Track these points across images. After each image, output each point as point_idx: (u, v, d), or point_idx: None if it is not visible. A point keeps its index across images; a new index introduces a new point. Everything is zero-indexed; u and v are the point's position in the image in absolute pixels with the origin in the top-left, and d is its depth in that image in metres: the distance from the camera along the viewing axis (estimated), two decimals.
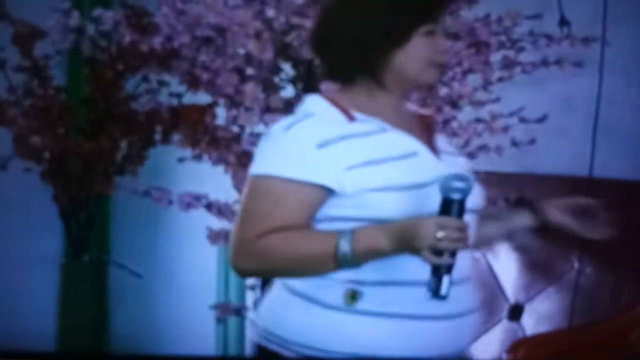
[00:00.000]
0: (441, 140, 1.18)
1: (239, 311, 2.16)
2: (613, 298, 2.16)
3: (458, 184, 1.04)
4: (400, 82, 1.15)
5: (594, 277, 2.22)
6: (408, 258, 1.06)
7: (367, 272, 1.08)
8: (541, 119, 2.05)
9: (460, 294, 1.11)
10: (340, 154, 1.10)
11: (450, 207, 1.03)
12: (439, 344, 1.11)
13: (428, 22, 1.14)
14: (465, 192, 1.04)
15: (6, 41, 2.27)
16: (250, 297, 2.13)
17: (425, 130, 1.17)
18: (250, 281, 2.08)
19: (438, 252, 1.02)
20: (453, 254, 1.04)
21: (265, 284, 2.07)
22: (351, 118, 1.13)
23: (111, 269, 2.67)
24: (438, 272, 1.03)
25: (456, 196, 1.03)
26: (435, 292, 1.03)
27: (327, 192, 1.10)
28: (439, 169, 1.11)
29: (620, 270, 2.20)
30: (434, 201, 1.06)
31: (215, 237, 2.03)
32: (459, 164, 1.16)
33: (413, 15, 1.12)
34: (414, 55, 1.13)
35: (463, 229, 1.04)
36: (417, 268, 1.06)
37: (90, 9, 2.27)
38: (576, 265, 2.23)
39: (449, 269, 1.04)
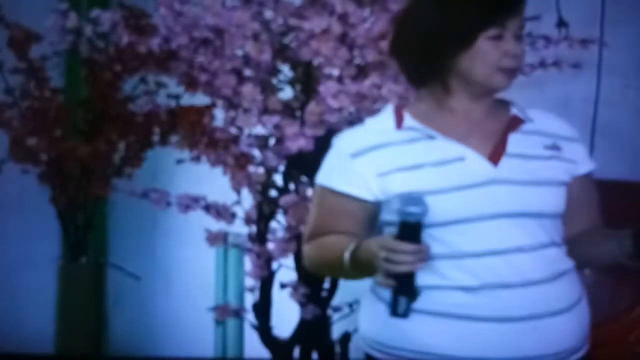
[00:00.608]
0: (519, 144, 1.15)
1: (238, 313, 2.15)
2: (612, 299, 2.16)
3: (410, 209, 1.04)
4: (467, 87, 1.15)
5: (592, 278, 2.21)
6: (504, 258, 1.10)
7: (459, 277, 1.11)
8: None
9: (529, 296, 1.11)
10: (371, 163, 1.13)
11: (404, 230, 1.04)
12: (509, 347, 1.10)
13: (493, 27, 1.13)
14: (418, 216, 1.04)
15: (3, 43, 2.27)
16: (249, 299, 2.12)
17: (499, 134, 1.15)
18: (250, 283, 2.07)
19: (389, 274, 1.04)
20: (403, 276, 1.03)
21: (265, 286, 2.07)
22: (399, 126, 1.15)
23: (109, 271, 2.66)
24: (394, 292, 1.04)
25: (409, 219, 1.04)
26: (392, 311, 1.05)
27: (366, 200, 1.14)
28: (487, 173, 1.12)
29: (619, 272, 2.19)
30: (484, 202, 1.10)
31: (214, 239, 2.02)
32: (526, 168, 1.14)
33: (477, 19, 1.13)
34: (480, 59, 1.13)
35: (410, 252, 1.04)
36: (483, 271, 1.09)
37: (88, 10, 2.27)
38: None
39: (404, 290, 1.03)
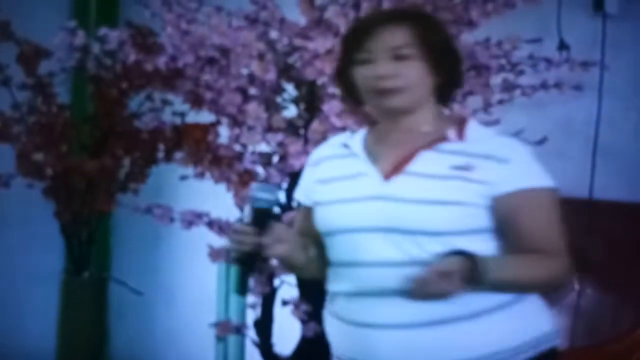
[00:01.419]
0: (425, 162, 1.18)
1: (239, 329, 2.15)
2: (614, 320, 2.16)
3: (258, 194, 1.12)
4: (371, 109, 1.22)
5: (594, 299, 2.21)
6: (370, 270, 1.15)
7: (340, 283, 1.20)
8: (541, 141, 2.06)
9: (392, 309, 1.14)
10: (311, 174, 1.27)
11: (252, 214, 1.11)
12: (389, 355, 1.14)
13: (360, 52, 1.19)
14: (263, 203, 1.11)
15: (11, 59, 2.30)
16: (250, 315, 2.12)
17: (411, 152, 1.19)
18: (251, 299, 2.08)
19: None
20: (245, 256, 1.12)
21: (266, 303, 2.08)
22: (343, 143, 1.27)
23: (112, 286, 2.67)
24: (239, 271, 1.13)
25: (255, 204, 1.12)
26: (237, 289, 1.14)
27: (307, 206, 1.26)
28: (377, 189, 1.18)
29: (620, 292, 2.19)
30: (365, 216, 1.16)
31: (216, 255, 2.03)
32: (420, 187, 1.15)
33: (345, 46, 1.21)
34: (360, 83, 1.21)
35: (247, 233, 1.12)
36: (377, 278, 1.15)
37: (95, 28, 2.30)
38: (577, 286, 2.23)
39: (244, 268, 1.12)
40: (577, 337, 2.18)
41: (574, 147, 2.31)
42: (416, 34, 1.19)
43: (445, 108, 1.24)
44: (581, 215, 2.22)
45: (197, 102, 2.03)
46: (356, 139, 1.25)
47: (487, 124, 1.98)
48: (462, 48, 1.91)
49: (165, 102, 2.34)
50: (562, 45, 2.22)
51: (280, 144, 1.95)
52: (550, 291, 1.17)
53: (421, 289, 1.07)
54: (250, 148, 1.99)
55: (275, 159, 1.99)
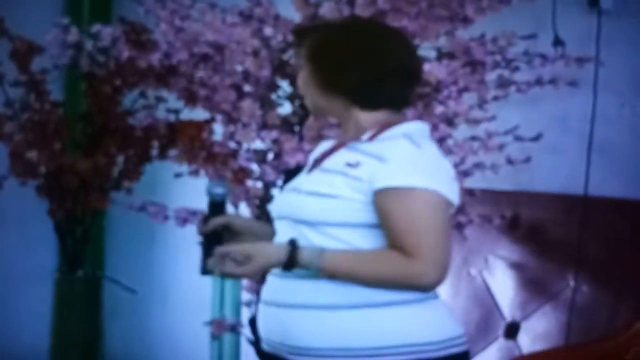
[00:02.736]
0: (334, 159, 1.26)
1: (234, 328, 2.14)
2: (609, 316, 2.16)
3: (213, 189, 1.31)
4: None
5: (590, 296, 2.22)
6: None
7: None
8: (536, 138, 2.06)
9: (290, 287, 1.22)
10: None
11: (209, 206, 1.33)
12: (266, 328, 1.26)
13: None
14: (217, 196, 1.31)
15: (4, 56, 2.28)
16: (245, 313, 2.12)
17: (332, 149, 1.30)
18: (246, 297, 2.07)
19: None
20: (204, 240, 1.31)
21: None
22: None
23: (106, 285, 2.65)
24: (202, 255, 1.31)
25: (210, 198, 1.32)
26: (201, 270, 1.31)
27: None
28: (296, 181, 1.29)
29: (616, 289, 2.20)
30: (279, 205, 1.30)
31: None
32: (316, 180, 1.25)
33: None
34: None
35: (203, 221, 1.31)
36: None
37: (88, 25, 2.28)
38: (572, 283, 2.23)
39: (204, 249, 1.31)
40: (573, 333, 2.19)
41: (569, 143, 2.31)
42: (307, 47, 1.29)
43: (396, 113, 1.28)
44: (576, 212, 2.23)
45: (191, 99, 2.02)
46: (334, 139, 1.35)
47: (483, 120, 1.99)
48: (457, 44, 1.91)
49: (159, 99, 2.32)
50: (557, 42, 2.22)
51: (275, 141, 1.94)
52: (402, 289, 1.18)
53: (217, 266, 1.20)
54: (245, 145, 1.98)
55: (270, 156, 1.99)
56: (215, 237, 1.28)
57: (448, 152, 1.94)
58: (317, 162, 1.29)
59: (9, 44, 2.26)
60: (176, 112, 2.24)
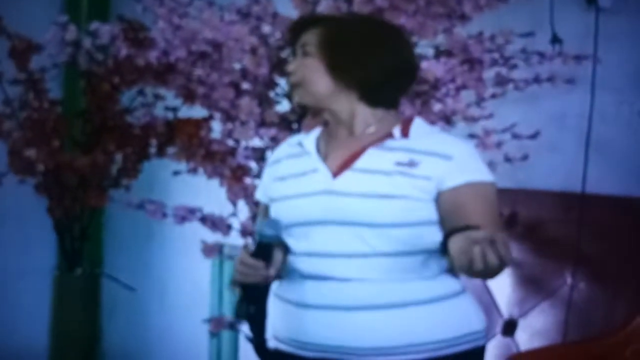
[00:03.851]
0: (371, 159, 1.24)
1: (233, 325, 2.15)
2: (607, 313, 2.16)
3: (264, 231, 1.22)
4: None
5: (587, 293, 2.22)
6: (317, 258, 1.24)
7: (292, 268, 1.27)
8: (534, 135, 2.06)
9: (338, 290, 1.21)
10: (271, 172, 1.35)
11: (258, 248, 1.22)
12: (318, 333, 1.22)
13: (291, 47, 1.31)
14: (265, 238, 1.21)
15: (2, 54, 2.28)
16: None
17: (359, 149, 1.25)
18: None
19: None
20: (248, 286, 1.22)
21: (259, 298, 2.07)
22: (298, 142, 1.33)
23: (104, 282, 2.66)
24: (239, 297, 1.24)
25: (262, 240, 1.21)
26: (235, 313, 1.25)
27: (265, 202, 1.35)
28: (325, 184, 1.25)
29: (614, 286, 2.20)
30: (315, 209, 1.24)
31: (209, 250, 2.03)
32: (364, 182, 1.22)
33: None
34: None
35: (251, 266, 1.21)
36: (307, 265, 1.24)
37: (87, 23, 2.28)
38: (570, 280, 2.23)
39: (246, 297, 1.23)
40: (571, 330, 2.19)
41: (566, 141, 2.31)
42: (319, 35, 1.26)
43: (391, 110, 1.29)
44: (574, 209, 2.23)
45: (189, 96, 2.02)
46: (310, 138, 1.32)
47: (481, 118, 1.99)
48: (455, 42, 1.91)
49: (158, 97, 2.33)
50: (555, 39, 2.22)
51: (274, 139, 1.94)
52: (490, 277, 1.19)
53: (484, 257, 1.06)
54: (243, 143, 1.98)
55: (269, 153, 1.99)
56: (260, 286, 1.22)
57: None
58: (345, 164, 1.24)
59: (8, 42, 2.27)
60: (174, 110, 2.24)
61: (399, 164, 1.21)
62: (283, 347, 1.27)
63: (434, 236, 1.20)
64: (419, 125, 1.27)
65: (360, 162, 1.24)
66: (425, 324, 1.20)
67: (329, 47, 1.24)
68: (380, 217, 1.20)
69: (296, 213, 1.26)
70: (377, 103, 1.26)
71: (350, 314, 1.20)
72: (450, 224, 1.19)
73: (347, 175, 1.24)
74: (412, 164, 1.21)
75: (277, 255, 1.22)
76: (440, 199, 1.20)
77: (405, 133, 1.24)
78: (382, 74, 1.25)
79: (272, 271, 1.21)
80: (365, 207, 1.21)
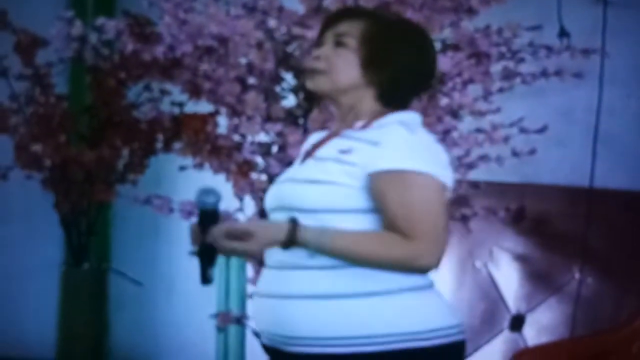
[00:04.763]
0: (328, 147, 1.26)
1: (240, 320, 2.15)
2: (614, 309, 2.16)
3: (203, 198, 1.23)
4: None
5: (595, 288, 2.21)
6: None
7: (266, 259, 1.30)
8: (541, 130, 2.05)
9: (285, 278, 1.22)
10: None
11: (200, 215, 1.25)
12: (263, 320, 1.25)
13: (319, 37, 1.29)
14: (208, 205, 1.23)
15: (8, 49, 2.28)
16: (250, 305, 2.12)
17: (326, 139, 1.29)
18: (251, 290, 2.07)
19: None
20: (199, 251, 1.25)
21: None
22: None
23: (111, 277, 2.67)
24: (201, 266, 1.26)
25: (201, 207, 1.24)
26: (202, 280, 1.27)
27: None
28: (291, 172, 1.29)
29: (621, 281, 2.19)
30: (274, 196, 1.28)
31: None
32: (311, 169, 1.24)
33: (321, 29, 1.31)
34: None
35: (192, 232, 1.24)
36: (270, 254, 1.24)
37: (93, 18, 2.28)
38: (577, 275, 2.23)
39: (202, 261, 1.26)
40: (578, 325, 2.18)
41: (574, 135, 2.30)
42: (360, 28, 1.25)
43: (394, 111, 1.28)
44: (581, 204, 2.22)
45: (195, 92, 2.02)
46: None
47: (488, 112, 1.98)
48: (462, 35, 1.90)
49: (164, 92, 2.33)
50: (563, 33, 2.21)
51: (280, 134, 1.94)
52: (399, 270, 1.17)
53: (219, 243, 1.18)
54: (249, 138, 1.98)
55: (275, 148, 1.99)
56: (212, 247, 1.23)
57: (453, 144, 1.93)
58: (309, 152, 1.29)
59: (14, 37, 2.27)
60: (181, 105, 2.24)
61: (340, 151, 1.22)
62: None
63: (368, 225, 1.19)
64: (389, 118, 1.24)
65: (319, 151, 1.26)
66: (359, 317, 1.17)
67: (369, 43, 1.24)
68: (308, 202, 1.20)
69: (266, 199, 1.31)
70: (391, 102, 1.26)
71: (287, 302, 1.21)
72: (378, 211, 1.19)
73: (306, 163, 1.27)
74: (347, 151, 1.21)
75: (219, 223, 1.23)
76: (367, 186, 1.19)
77: (367, 125, 1.24)
78: (408, 75, 1.25)
79: (207, 237, 1.21)
80: (297, 193, 1.22)
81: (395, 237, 1.16)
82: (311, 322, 1.19)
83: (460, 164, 1.97)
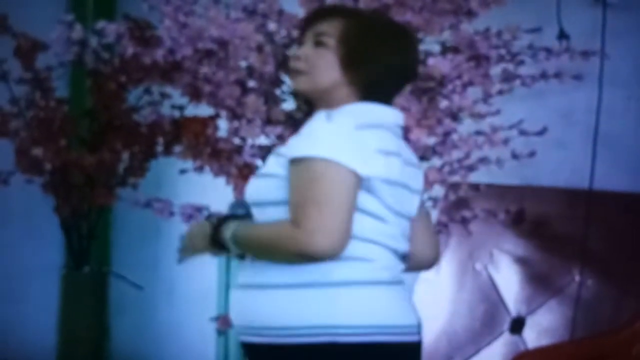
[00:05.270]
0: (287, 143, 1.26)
1: None
2: (615, 311, 2.15)
3: (235, 210, 1.27)
4: None
5: (595, 290, 2.21)
6: None
7: None
8: (541, 132, 2.05)
9: (248, 269, 1.23)
10: None
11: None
12: (234, 312, 1.26)
13: (300, 36, 1.29)
14: (234, 216, 1.26)
15: (8, 53, 2.29)
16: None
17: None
18: None
19: None
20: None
21: None
22: None
23: (112, 281, 2.67)
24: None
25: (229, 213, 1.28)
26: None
27: None
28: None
29: (621, 283, 2.19)
30: (247, 189, 1.27)
31: None
32: (266, 163, 1.26)
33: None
34: None
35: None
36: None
37: (93, 22, 2.28)
38: (577, 278, 2.23)
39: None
40: (578, 328, 2.18)
41: (574, 137, 2.30)
42: (340, 27, 1.24)
43: None
44: (582, 206, 2.22)
45: (195, 95, 2.02)
46: None
47: (488, 115, 1.99)
48: (462, 38, 1.90)
49: (164, 96, 2.33)
50: (562, 35, 2.21)
51: (280, 137, 1.94)
52: (292, 259, 1.15)
53: (182, 247, 1.25)
54: (249, 141, 1.98)
55: None
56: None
57: (453, 146, 1.94)
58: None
59: (13, 41, 2.27)
60: (181, 108, 2.25)
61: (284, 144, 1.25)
62: None
63: None
64: (338, 111, 1.22)
65: (282, 147, 1.26)
66: (298, 307, 1.15)
67: (348, 42, 1.22)
68: (255, 195, 1.22)
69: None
70: (373, 100, 1.25)
71: (242, 293, 1.22)
72: None
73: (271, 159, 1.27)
74: (285, 142, 1.23)
75: None
76: None
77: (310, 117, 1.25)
78: (388, 74, 1.24)
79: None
80: (249, 187, 1.25)
81: (287, 226, 1.15)
82: (253, 312, 1.20)
83: (460, 166, 1.97)
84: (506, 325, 2.30)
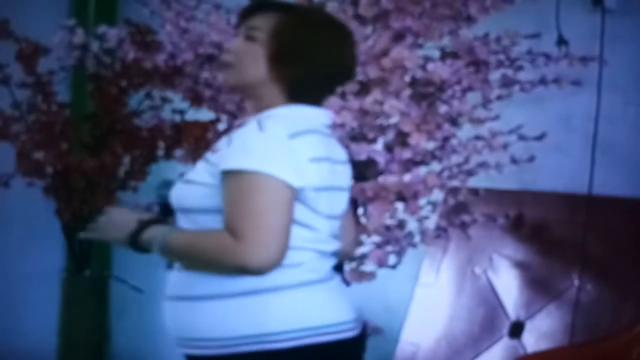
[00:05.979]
0: (214, 148, 1.23)
1: None
2: (614, 315, 2.16)
3: (161, 191, 1.25)
4: None
5: (594, 294, 2.21)
6: None
7: None
8: (540, 137, 2.06)
9: (173, 279, 1.23)
10: None
11: (158, 207, 1.27)
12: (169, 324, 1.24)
13: (236, 30, 1.27)
14: (160, 197, 1.25)
15: (10, 57, 2.30)
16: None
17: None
18: None
19: None
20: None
21: None
22: None
23: (113, 284, 2.67)
24: None
25: (158, 200, 1.26)
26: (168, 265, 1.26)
27: None
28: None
29: (621, 288, 2.19)
30: (173, 193, 1.26)
31: None
32: (194, 168, 1.24)
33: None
34: None
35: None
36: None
37: (94, 27, 2.30)
38: (577, 282, 2.23)
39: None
40: (578, 332, 2.18)
41: (573, 143, 2.31)
42: (272, 22, 1.20)
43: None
44: (580, 211, 2.22)
45: (196, 99, 2.03)
46: None
47: (487, 120, 1.99)
48: (461, 43, 1.91)
49: (165, 100, 2.34)
50: (561, 41, 2.22)
51: None
52: (229, 271, 1.14)
53: (94, 227, 1.23)
54: None
55: None
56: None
57: (452, 151, 1.94)
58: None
59: (15, 45, 2.28)
60: (182, 112, 2.26)
61: (212, 151, 1.21)
62: None
63: None
64: (264, 114, 1.20)
65: (209, 152, 1.24)
66: (227, 318, 1.14)
67: (278, 37, 1.19)
68: (182, 201, 1.20)
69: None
70: (299, 100, 1.21)
71: (176, 304, 1.21)
72: None
73: (197, 164, 1.25)
74: (216, 150, 1.19)
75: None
76: None
77: (242, 123, 1.24)
78: (318, 72, 1.20)
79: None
80: (175, 192, 1.22)
81: (225, 237, 1.13)
82: (192, 324, 1.18)
83: (460, 171, 1.98)
84: (505, 329, 2.30)
